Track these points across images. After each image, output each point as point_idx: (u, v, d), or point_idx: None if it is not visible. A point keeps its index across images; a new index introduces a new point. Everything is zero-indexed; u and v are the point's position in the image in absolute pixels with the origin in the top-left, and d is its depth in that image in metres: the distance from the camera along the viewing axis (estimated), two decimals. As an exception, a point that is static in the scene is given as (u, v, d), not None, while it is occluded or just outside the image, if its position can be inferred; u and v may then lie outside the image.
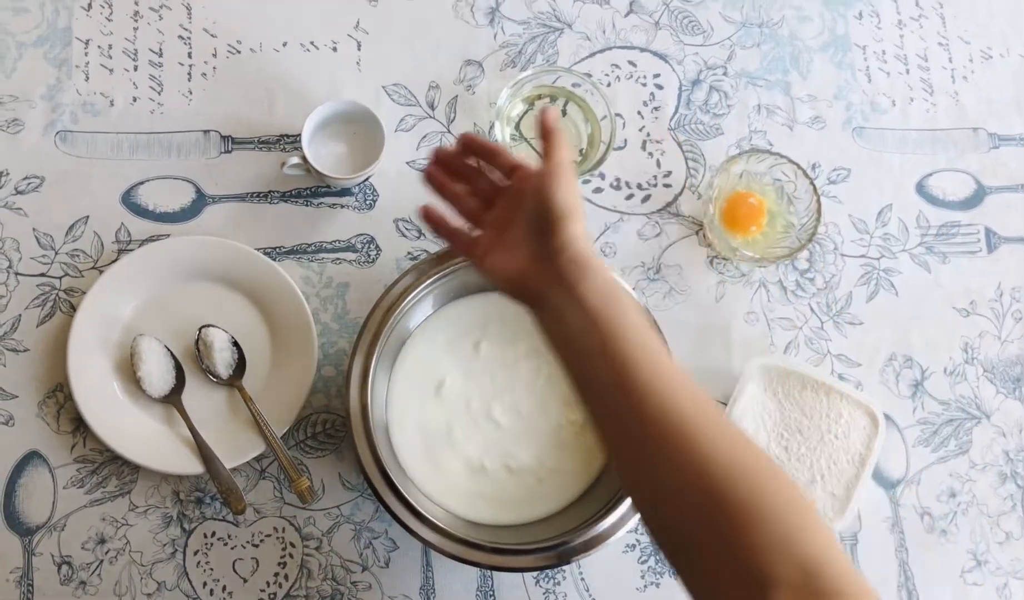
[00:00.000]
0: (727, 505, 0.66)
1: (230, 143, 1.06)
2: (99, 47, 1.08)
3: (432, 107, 1.09)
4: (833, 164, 1.13)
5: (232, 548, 0.97)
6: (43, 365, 0.99)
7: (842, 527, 1.00)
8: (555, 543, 0.91)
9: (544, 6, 1.13)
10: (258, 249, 1.02)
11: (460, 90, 1.10)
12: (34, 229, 1.02)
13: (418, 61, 1.10)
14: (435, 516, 0.91)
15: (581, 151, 1.09)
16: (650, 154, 1.11)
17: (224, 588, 0.96)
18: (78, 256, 1.02)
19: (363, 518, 0.99)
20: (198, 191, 1.05)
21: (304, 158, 1.00)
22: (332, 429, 1.01)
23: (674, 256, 1.08)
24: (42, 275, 1.01)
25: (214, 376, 0.99)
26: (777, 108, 1.13)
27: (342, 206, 1.06)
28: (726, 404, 1.03)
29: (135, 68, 1.07)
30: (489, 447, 0.98)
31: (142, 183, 1.04)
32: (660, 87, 1.13)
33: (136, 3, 1.09)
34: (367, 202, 1.06)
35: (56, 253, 1.02)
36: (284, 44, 1.09)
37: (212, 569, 0.97)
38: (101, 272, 1.00)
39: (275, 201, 1.05)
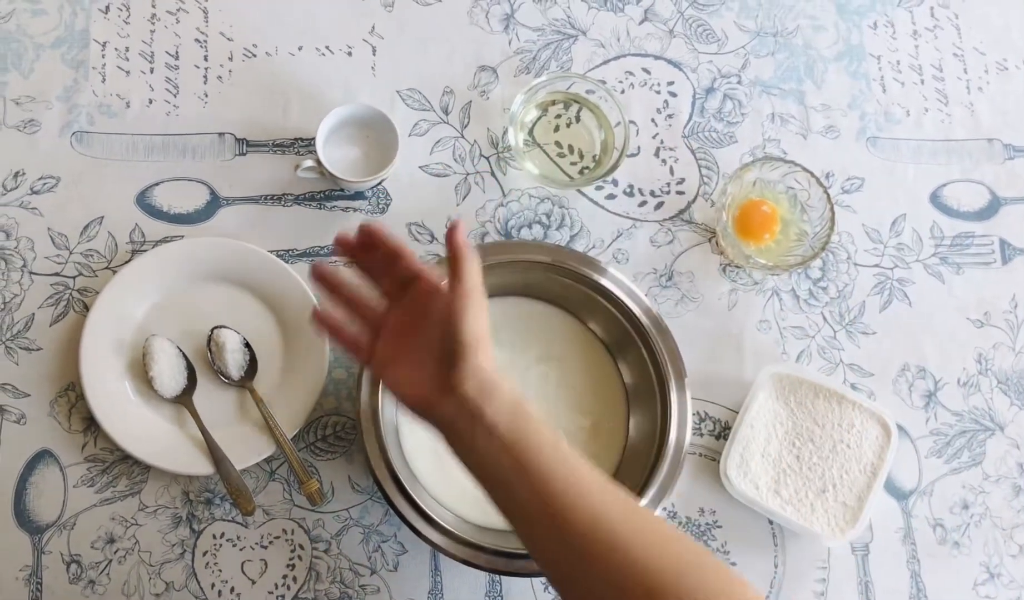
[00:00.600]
0: None
1: (245, 146, 1.07)
2: (116, 49, 1.08)
3: (446, 112, 1.10)
4: (847, 173, 1.12)
5: (241, 549, 0.97)
6: (55, 364, 1.00)
7: (854, 537, 0.99)
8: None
9: (559, 13, 1.14)
10: (271, 251, 1.02)
11: (474, 95, 1.10)
12: (49, 229, 1.03)
13: (432, 66, 1.11)
14: (444, 520, 0.90)
15: (594, 157, 1.09)
16: (663, 161, 1.11)
17: (232, 589, 0.96)
18: (92, 256, 1.02)
19: (372, 521, 0.99)
20: (212, 193, 1.05)
21: (318, 161, 1.01)
22: (342, 432, 1.01)
23: (687, 263, 1.08)
24: (56, 275, 1.02)
25: (225, 377, 0.99)
26: (791, 117, 1.13)
27: (355, 210, 1.06)
28: (737, 412, 1.02)
29: (151, 70, 1.08)
30: (499, 451, 0.98)
31: (157, 184, 1.05)
32: (674, 95, 1.13)
33: (153, 6, 1.10)
34: (380, 206, 1.06)
35: (70, 253, 1.02)
36: (299, 48, 1.10)
37: (221, 570, 0.97)
38: (115, 272, 1.00)
39: (288, 204, 1.05)
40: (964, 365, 1.08)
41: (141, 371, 0.98)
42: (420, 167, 1.08)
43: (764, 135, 1.12)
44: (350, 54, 1.10)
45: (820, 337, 1.07)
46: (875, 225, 1.11)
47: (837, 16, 1.17)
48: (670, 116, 1.12)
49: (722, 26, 1.15)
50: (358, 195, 1.06)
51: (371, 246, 0.79)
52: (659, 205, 1.09)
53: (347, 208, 1.06)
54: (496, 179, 1.08)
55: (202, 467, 0.96)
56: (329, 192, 1.06)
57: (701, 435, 1.03)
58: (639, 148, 1.11)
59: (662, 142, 1.11)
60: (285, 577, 0.97)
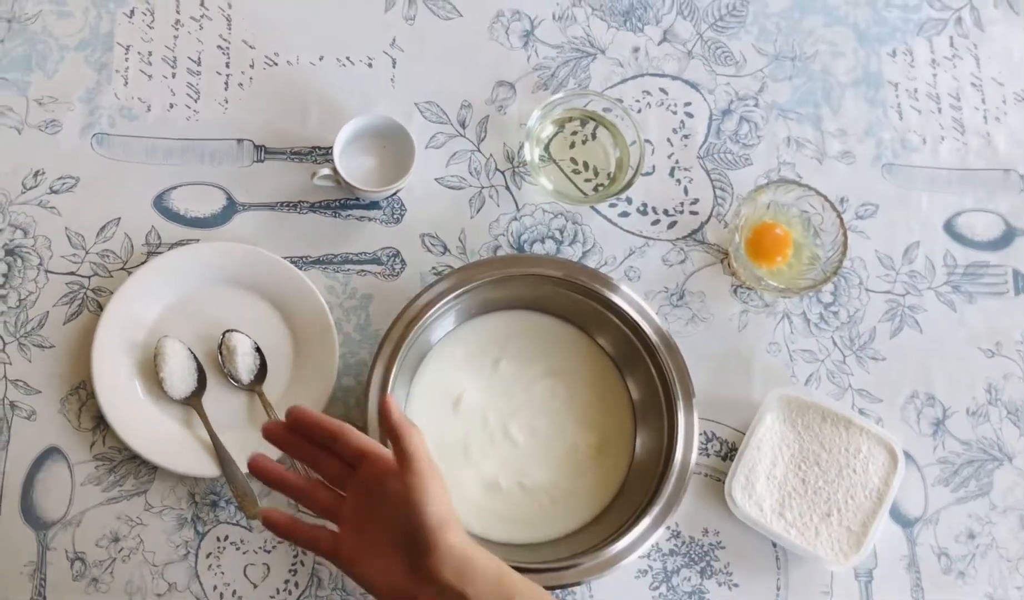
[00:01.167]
0: None
1: (263, 153, 1.08)
2: (139, 53, 1.10)
3: (463, 125, 1.10)
4: (861, 199, 1.12)
5: (244, 553, 0.98)
6: (67, 362, 1.01)
7: (857, 563, 0.99)
8: (567, 564, 0.91)
9: (578, 31, 1.14)
10: (285, 258, 1.03)
11: (492, 110, 1.11)
12: (66, 228, 1.04)
13: (451, 80, 1.12)
14: (448, 530, 0.91)
15: (609, 175, 1.10)
16: (678, 181, 1.11)
17: (234, 592, 0.97)
18: (108, 257, 1.03)
19: (376, 529, 0.99)
20: (229, 198, 1.06)
21: (335, 170, 1.01)
22: (349, 439, 1.01)
23: (698, 283, 1.08)
24: (72, 274, 1.03)
25: (235, 381, 1.00)
26: (807, 141, 1.14)
27: (370, 219, 1.07)
28: (744, 434, 1.02)
29: (173, 75, 1.09)
30: (504, 464, 0.99)
31: (174, 188, 1.06)
32: (690, 115, 1.13)
33: (178, 12, 1.11)
34: (394, 216, 1.07)
35: (86, 253, 1.03)
36: (320, 58, 1.11)
37: (223, 572, 0.97)
38: (129, 273, 1.01)
39: (304, 211, 1.06)
40: (973, 394, 1.08)
41: (152, 372, 0.99)
42: (436, 179, 1.09)
43: (779, 158, 1.13)
44: (370, 65, 1.11)
45: (830, 361, 1.07)
46: (888, 252, 1.11)
47: (856, 43, 1.18)
48: (686, 136, 1.13)
49: (740, 49, 1.16)
50: (373, 205, 1.07)
51: (304, 431, 0.76)
52: (672, 224, 1.10)
53: (362, 217, 1.07)
54: (511, 193, 1.09)
55: (209, 469, 0.97)
56: (345, 201, 1.07)
57: (708, 455, 1.03)
58: (654, 167, 1.11)
59: (677, 162, 1.12)
60: (287, 582, 0.97)
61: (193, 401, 0.99)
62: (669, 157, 1.12)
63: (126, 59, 1.09)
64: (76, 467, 0.98)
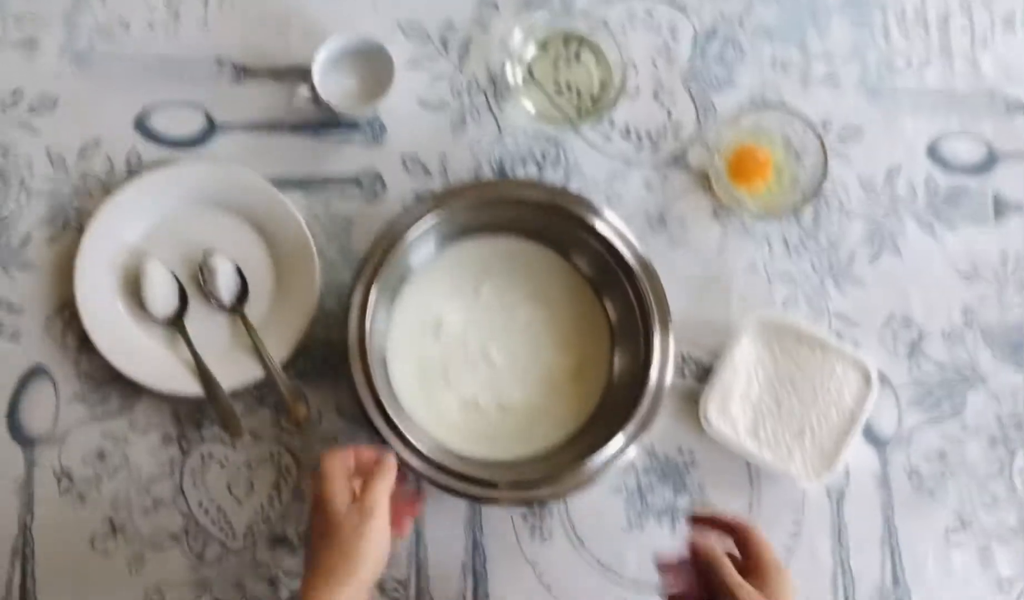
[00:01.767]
0: None
1: (242, 73, 1.07)
2: (117, -30, 1.09)
3: (445, 46, 1.10)
4: (844, 122, 1.12)
5: (228, 470, 1.00)
6: (51, 282, 1.01)
7: (829, 481, 1.01)
8: (543, 479, 0.93)
9: (562, -51, 1.13)
10: (266, 178, 1.03)
11: (475, 30, 1.10)
12: (47, 148, 1.04)
13: (434, -1, 1.11)
14: (427, 447, 0.92)
15: (593, 97, 1.09)
16: (661, 104, 1.11)
17: (219, 508, 0.99)
18: (89, 177, 1.04)
19: (357, 448, 1.01)
20: (209, 119, 1.06)
21: (314, 89, 1.01)
22: (332, 360, 1.02)
23: (679, 207, 1.08)
24: (53, 194, 1.03)
25: (217, 302, 1.01)
26: (792, 64, 1.13)
27: (350, 141, 1.06)
28: (719, 355, 1.03)
29: (152, -7, 1.08)
30: (483, 385, 1.00)
31: (155, 109, 1.06)
32: (675, 37, 1.12)
33: (156, -72, 1.10)
34: (375, 138, 1.07)
35: (68, 174, 1.03)
36: (301, -24, 1.10)
37: (208, 489, 0.99)
38: (111, 194, 1.01)
39: (284, 133, 1.06)
40: (950, 317, 1.09)
41: (135, 292, 1.00)
42: (417, 101, 1.08)
43: (764, 81, 1.12)
44: (351, -17, 1.10)
45: (808, 285, 1.08)
46: (870, 176, 1.11)
47: (844, -37, 1.16)
48: (670, 59, 1.12)
49: (727, -31, 1.15)
50: (353, 126, 1.07)
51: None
52: (655, 148, 1.10)
53: (342, 139, 1.06)
54: (493, 115, 1.09)
55: (192, 388, 0.98)
56: (325, 121, 1.06)
57: (684, 377, 1.05)
58: (638, 90, 1.11)
59: (661, 85, 1.11)
60: (271, 498, 1.00)
61: (176, 322, 1.00)
62: (653, 79, 1.11)
63: (104, -24, 1.08)
64: (61, 385, 1.00)
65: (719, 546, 0.83)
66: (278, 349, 0.99)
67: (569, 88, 1.10)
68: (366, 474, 0.82)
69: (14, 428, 0.99)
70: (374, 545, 0.79)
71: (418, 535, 1.00)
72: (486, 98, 1.09)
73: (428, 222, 0.96)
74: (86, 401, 1.00)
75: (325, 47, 1.01)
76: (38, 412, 0.99)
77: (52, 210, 1.03)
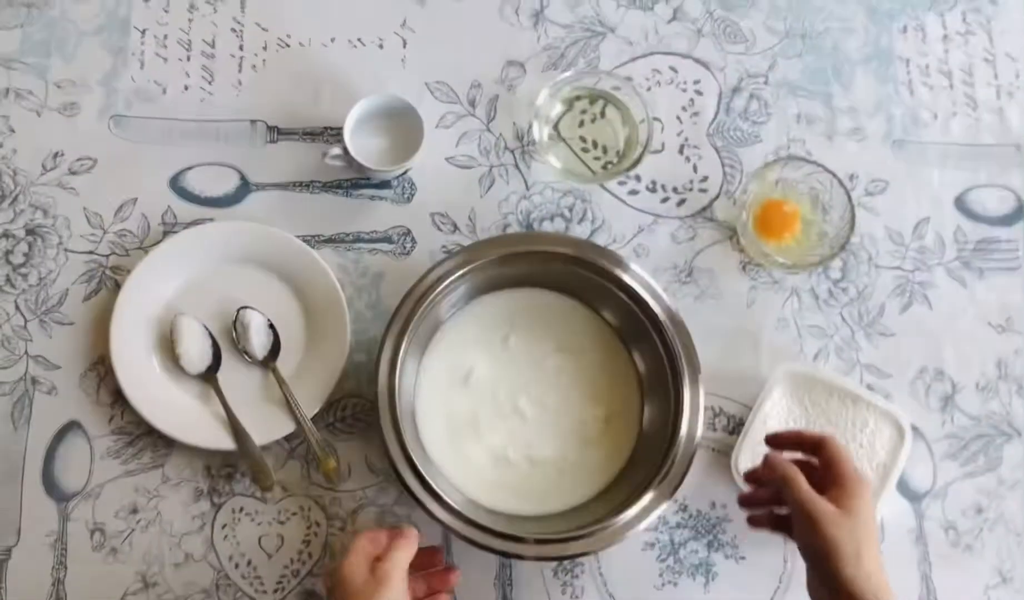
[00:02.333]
0: None
1: (276, 133, 1.09)
2: (155, 37, 1.12)
3: (473, 105, 1.12)
4: (871, 176, 1.12)
5: (259, 524, 1.00)
6: (87, 339, 1.03)
7: (864, 536, 0.99)
8: (574, 535, 0.92)
9: (588, 11, 1.15)
10: (298, 236, 1.05)
11: (501, 90, 1.12)
12: (84, 208, 1.06)
13: (461, 60, 1.13)
14: (456, 502, 0.92)
15: (618, 153, 1.11)
16: (687, 159, 1.12)
17: (249, 562, 0.99)
18: (125, 236, 1.06)
19: (387, 501, 1.01)
20: (243, 178, 1.08)
21: (345, 149, 1.03)
22: (361, 414, 1.03)
23: (707, 260, 1.09)
24: (90, 253, 1.05)
25: (250, 357, 1.02)
26: (817, 118, 1.14)
27: (381, 198, 1.08)
28: (750, 407, 1.03)
29: (188, 58, 1.11)
30: (513, 438, 1.00)
31: (189, 169, 1.08)
32: (700, 93, 1.14)
33: (192, -4, 1.13)
34: (405, 195, 1.08)
35: (104, 232, 1.06)
36: (332, 39, 1.13)
37: (238, 542, 0.99)
38: (146, 252, 1.03)
39: (316, 191, 1.08)
40: (983, 369, 1.08)
41: (169, 348, 1.01)
42: (446, 158, 1.10)
43: (789, 136, 1.13)
44: (381, 46, 1.13)
45: (838, 337, 1.07)
46: (898, 228, 1.11)
47: (867, 19, 1.17)
48: (695, 114, 1.13)
49: (751, 27, 1.16)
50: (384, 184, 1.08)
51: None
52: (681, 202, 1.11)
53: (373, 197, 1.08)
54: (520, 172, 1.10)
55: (224, 442, 0.99)
56: (356, 180, 1.08)
57: (715, 430, 1.04)
58: (663, 145, 1.12)
59: (687, 140, 1.12)
60: (300, 552, 1.00)
61: (209, 377, 1.01)
62: (678, 135, 1.13)
63: (142, 43, 1.11)
64: (95, 441, 1.01)
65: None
66: (309, 403, 1.00)
67: (595, 145, 1.11)
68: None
69: (48, 483, 1.00)
70: None
71: (448, 590, 0.99)
72: (513, 155, 1.10)
73: (456, 276, 0.97)
74: (119, 456, 1.01)
75: (356, 108, 1.04)
76: (72, 467, 1.00)
77: (89, 268, 1.05)
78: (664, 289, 1.01)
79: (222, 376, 1.02)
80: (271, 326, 1.03)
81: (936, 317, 1.09)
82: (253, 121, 1.10)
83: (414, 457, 0.92)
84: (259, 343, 1.02)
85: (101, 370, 1.02)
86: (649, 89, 1.13)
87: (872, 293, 1.09)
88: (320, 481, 1.01)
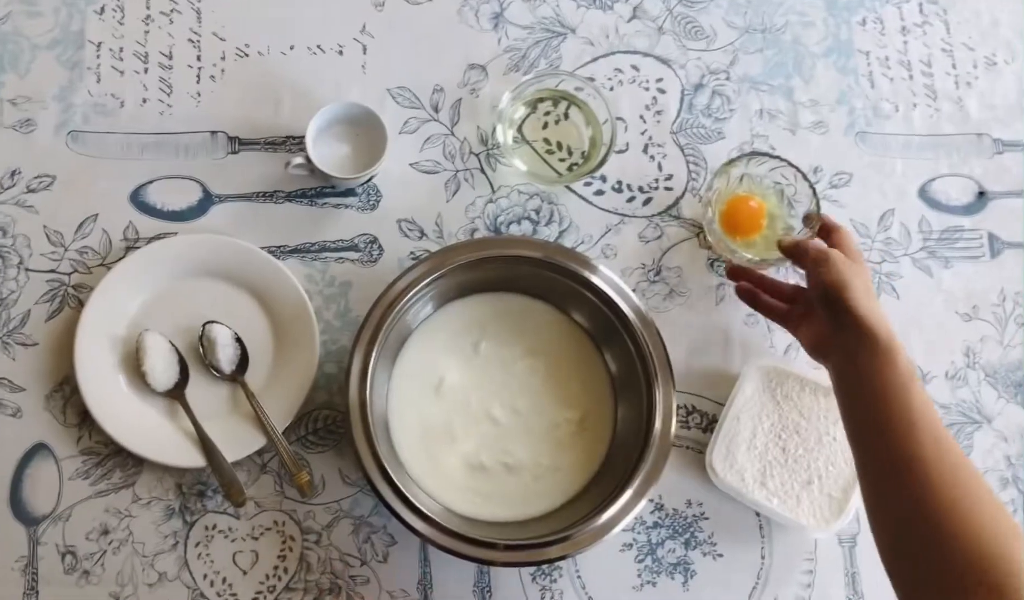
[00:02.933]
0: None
1: (237, 144, 1.08)
2: (110, 50, 1.10)
3: (436, 110, 1.11)
4: (835, 169, 1.13)
5: (233, 540, 0.99)
6: (51, 359, 1.01)
7: (840, 528, 1.00)
8: (551, 539, 0.92)
9: (548, 11, 1.15)
10: (263, 248, 1.04)
11: (464, 93, 1.12)
12: (44, 226, 1.05)
13: (422, 65, 1.12)
14: (432, 511, 0.91)
15: (583, 154, 1.10)
16: (652, 157, 1.12)
17: (224, 579, 0.98)
18: (87, 253, 1.04)
19: (362, 513, 1.00)
20: (205, 191, 1.07)
21: (308, 158, 1.02)
22: (333, 425, 1.02)
23: (675, 258, 1.09)
24: (52, 271, 1.03)
25: (217, 371, 1.01)
26: (779, 112, 1.14)
27: (346, 206, 1.07)
28: (723, 404, 1.03)
29: (145, 70, 1.10)
30: (488, 444, 0.99)
31: (150, 182, 1.07)
32: (662, 91, 1.14)
33: (147, 7, 1.11)
34: (370, 203, 1.08)
35: (66, 250, 1.04)
36: (291, 47, 1.11)
37: (213, 561, 0.98)
38: (109, 269, 1.02)
39: (280, 201, 1.07)
40: (952, 358, 1.09)
41: (134, 366, 1.00)
42: (410, 164, 1.09)
43: (752, 131, 1.13)
44: (341, 53, 1.12)
45: (807, 331, 1.08)
46: (863, 220, 1.12)
47: (826, 12, 1.18)
48: (659, 112, 1.13)
49: (711, 23, 1.16)
50: (349, 192, 1.08)
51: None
52: (647, 201, 1.10)
53: (338, 205, 1.07)
54: (486, 176, 1.10)
55: (194, 460, 0.98)
56: (320, 189, 1.07)
57: (689, 428, 1.04)
58: (627, 144, 1.12)
59: (651, 138, 1.12)
60: (276, 568, 0.99)
61: (176, 393, 1.00)
62: (642, 134, 1.12)
63: (98, 56, 1.10)
64: (63, 462, 0.99)
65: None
66: (279, 416, 0.99)
67: (560, 146, 1.11)
68: None
69: (17, 507, 0.98)
70: None
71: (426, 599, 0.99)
72: (478, 159, 1.10)
73: (425, 282, 0.97)
74: (89, 476, 0.99)
75: (318, 116, 1.03)
76: (41, 489, 0.99)
77: (51, 287, 1.03)
78: (633, 289, 1.02)
79: (190, 392, 1.00)
80: (238, 340, 1.01)
81: (904, 308, 1.10)
82: (213, 132, 1.08)
83: (388, 467, 0.91)
84: (226, 357, 1.00)
85: (67, 390, 1.01)
86: (612, 89, 1.13)
87: (840, 285, 1.09)
88: (294, 495, 1.00)
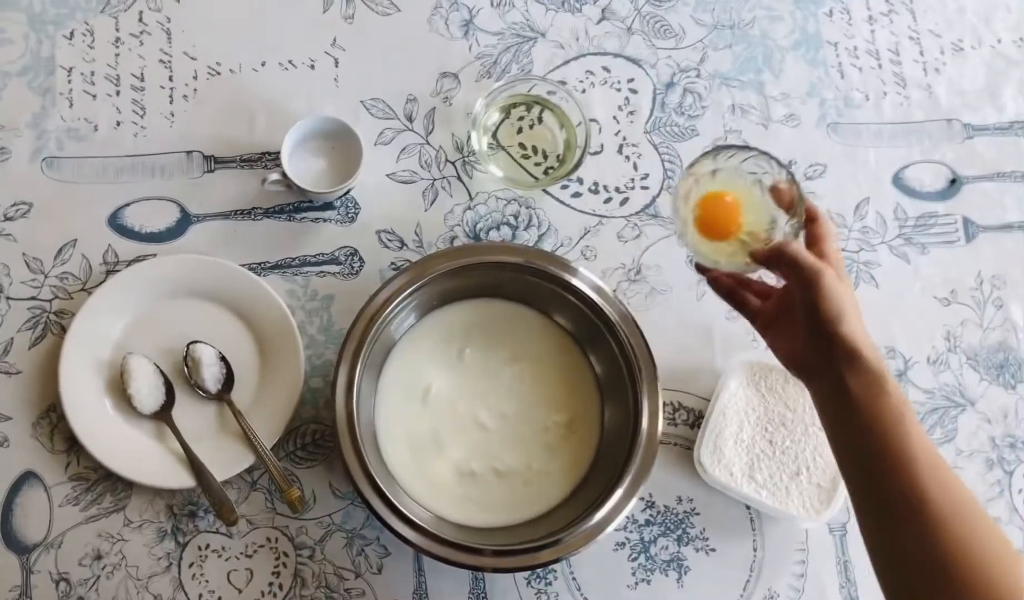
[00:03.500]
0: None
1: (213, 163, 1.08)
2: (82, 74, 1.10)
3: (410, 120, 1.11)
4: (809, 160, 1.14)
5: (226, 559, 0.99)
6: (36, 386, 1.01)
7: (830, 518, 1.00)
8: (544, 543, 0.92)
9: (517, 16, 1.15)
10: (243, 265, 1.04)
11: (437, 102, 1.12)
12: (23, 254, 1.04)
13: (394, 75, 1.12)
14: (424, 520, 0.92)
15: (558, 157, 1.11)
16: (627, 158, 1.13)
17: (220, 599, 0.98)
18: (67, 279, 1.04)
19: (354, 525, 1.00)
20: (183, 211, 1.07)
21: (284, 174, 1.02)
22: (321, 440, 1.02)
23: (654, 257, 1.09)
24: (33, 299, 1.03)
25: (203, 391, 1.00)
26: (751, 107, 1.15)
27: (325, 220, 1.07)
28: (709, 400, 1.04)
29: (117, 93, 1.10)
30: (476, 451, 1.00)
31: (128, 205, 1.06)
32: (634, 91, 1.14)
33: (117, 29, 1.11)
34: (349, 215, 1.08)
35: (46, 276, 1.04)
36: (263, 64, 1.11)
37: (207, 580, 0.98)
38: (90, 293, 1.02)
39: (258, 217, 1.07)
40: (933, 343, 1.10)
41: (120, 389, 1.00)
42: (387, 175, 1.09)
43: (725, 127, 1.14)
44: (313, 67, 1.12)
45: (789, 322, 1.08)
46: (839, 210, 1.13)
47: (793, 5, 1.19)
48: (632, 113, 1.14)
49: (679, 21, 1.17)
50: (327, 205, 1.08)
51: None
52: (624, 201, 1.11)
53: (317, 219, 1.07)
54: (463, 183, 1.10)
55: (184, 480, 0.98)
56: (298, 204, 1.08)
57: (676, 425, 1.05)
58: (602, 146, 1.13)
59: (625, 139, 1.13)
60: (271, 584, 0.99)
61: (163, 415, 1.00)
62: (616, 134, 1.13)
63: (69, 81, 1.09)
64: (53, 489, 0.99)
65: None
66: (267, 433, 0.99)
67: (535, 150, 1.11)
68: None
69: (8, 536, 0.98)
70: None
71: (422, 608, 0.99)
72: (455, 167, 1.10)
73: (407, 292, 0.97)
74: (79, 502, 0.99)
75: (292, 131, 1.03)
76: (31, 518, 0.98)
77: (33, 315, 1.03)
78: (614, 290, 1.02)
79: (177, 413, 1.00)
80: (223, 358, 1.01)
81: (883, 295, 1.11)
82: (189, 152, 1.08)
83: (377, 479, 0.91)
84: (212, 376, 1.00)
85: (53, 417, 1.00)
86: (584, 91, 1.14)
87: (819, 276, 1.10)
88: (285, 511, 1.00)
